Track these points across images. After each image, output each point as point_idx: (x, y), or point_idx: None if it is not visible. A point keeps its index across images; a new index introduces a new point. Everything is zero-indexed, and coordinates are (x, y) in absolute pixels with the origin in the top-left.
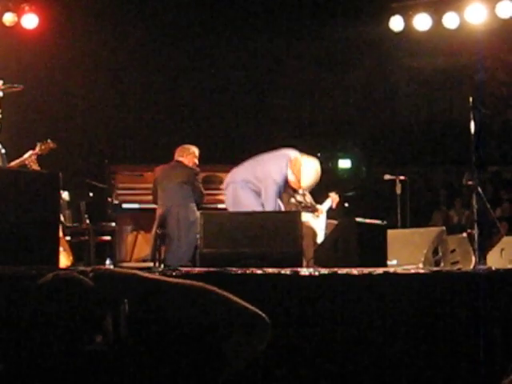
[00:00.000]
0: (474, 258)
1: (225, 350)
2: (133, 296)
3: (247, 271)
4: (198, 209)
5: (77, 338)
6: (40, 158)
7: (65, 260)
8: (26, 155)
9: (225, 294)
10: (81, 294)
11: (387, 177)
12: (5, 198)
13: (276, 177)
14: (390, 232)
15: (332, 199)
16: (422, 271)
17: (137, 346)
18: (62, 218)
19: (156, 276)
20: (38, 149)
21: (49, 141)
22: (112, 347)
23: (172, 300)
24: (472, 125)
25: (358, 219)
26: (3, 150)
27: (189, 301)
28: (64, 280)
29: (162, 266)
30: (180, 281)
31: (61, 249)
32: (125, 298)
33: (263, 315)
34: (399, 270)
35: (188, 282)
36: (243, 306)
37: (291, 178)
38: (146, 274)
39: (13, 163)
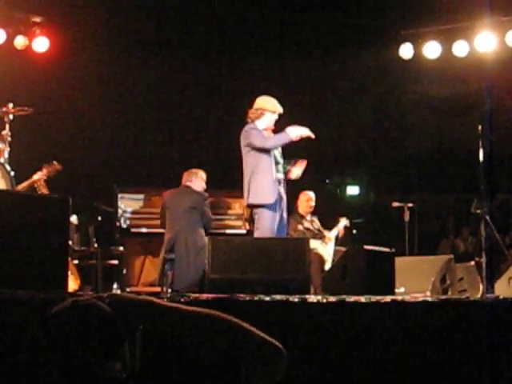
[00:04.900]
0: (481, 287)
1: (241, 380)
2: (148, 323)
3: (255, 298)
4: (206, 234)
5: (98, 365)
6: (48, 181)
7: (72, 284)
8: (34, 177)
9: (240, 322)
10: (101, 320)
11: (395, 204)
12: (14, 222)
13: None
14: (397, 259)
15: (339, 229)
16: (429, 299)
17: (152, 374)
18: (69, 242)
19: (171, 303)
20: (44, 171)
21: (54, 162)
22: (128, 374)
23: (187, 328)
24: (481, 153)
25: (367, 246)
26: (12, 173)
27: (204, 329)
28: (84, 306)
29: (170, 290)
30: (195, 309)
31: (68, 272)
32: (140, 324)
33: (279, 345)
34: (407, 298)
35: (204, 310)
36: (259, 335)
37: (263, 122)
38: (162, 301)
39: (21, 186)
